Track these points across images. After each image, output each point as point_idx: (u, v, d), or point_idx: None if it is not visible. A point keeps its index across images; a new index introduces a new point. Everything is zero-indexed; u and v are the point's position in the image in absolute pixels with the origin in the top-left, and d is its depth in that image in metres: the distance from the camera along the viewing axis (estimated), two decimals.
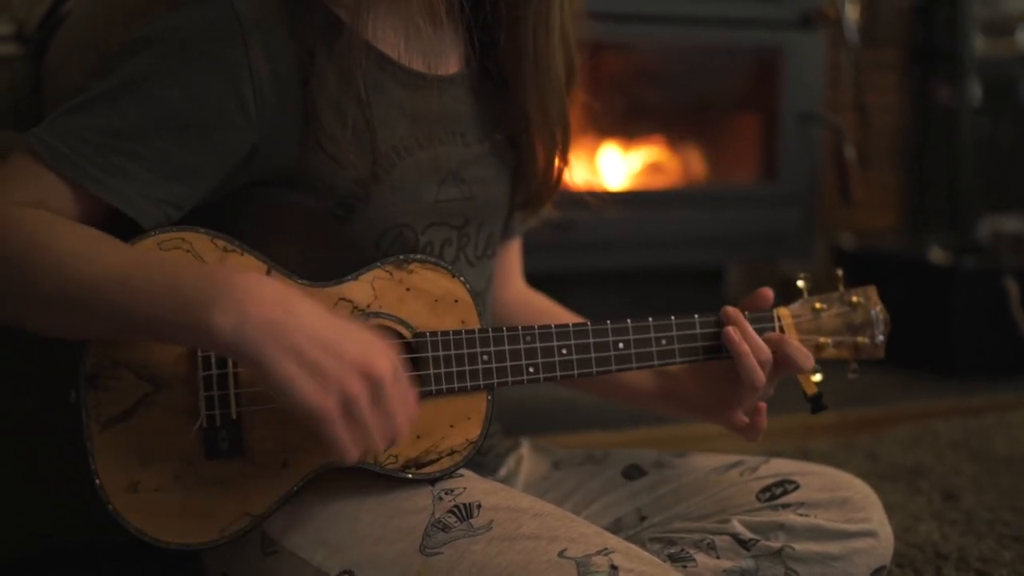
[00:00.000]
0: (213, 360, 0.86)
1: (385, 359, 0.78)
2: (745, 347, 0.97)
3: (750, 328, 0.99)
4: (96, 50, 1.12)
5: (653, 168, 2.29)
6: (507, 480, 1.13)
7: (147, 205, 0.86)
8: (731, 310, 1.00)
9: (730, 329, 0.98)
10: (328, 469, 0.88)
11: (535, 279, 1.26)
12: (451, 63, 1.02)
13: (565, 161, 1.10)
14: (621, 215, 2.03)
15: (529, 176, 1.09)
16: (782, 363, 0.99)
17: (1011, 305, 2.17)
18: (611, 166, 2.26)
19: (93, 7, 1.17)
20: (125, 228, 0.86)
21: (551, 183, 1.11)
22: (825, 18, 2.28)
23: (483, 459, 1.08)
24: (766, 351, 0.98)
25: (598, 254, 2.12)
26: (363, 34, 0.92)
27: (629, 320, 0.98)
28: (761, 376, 0.97)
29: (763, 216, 2.26)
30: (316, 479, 0.89)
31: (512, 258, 1.22)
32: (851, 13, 2.56)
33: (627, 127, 2.22)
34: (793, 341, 1.00)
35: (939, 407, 1.95)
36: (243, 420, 0.86)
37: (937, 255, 2.29)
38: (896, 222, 2.92)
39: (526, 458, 1.18)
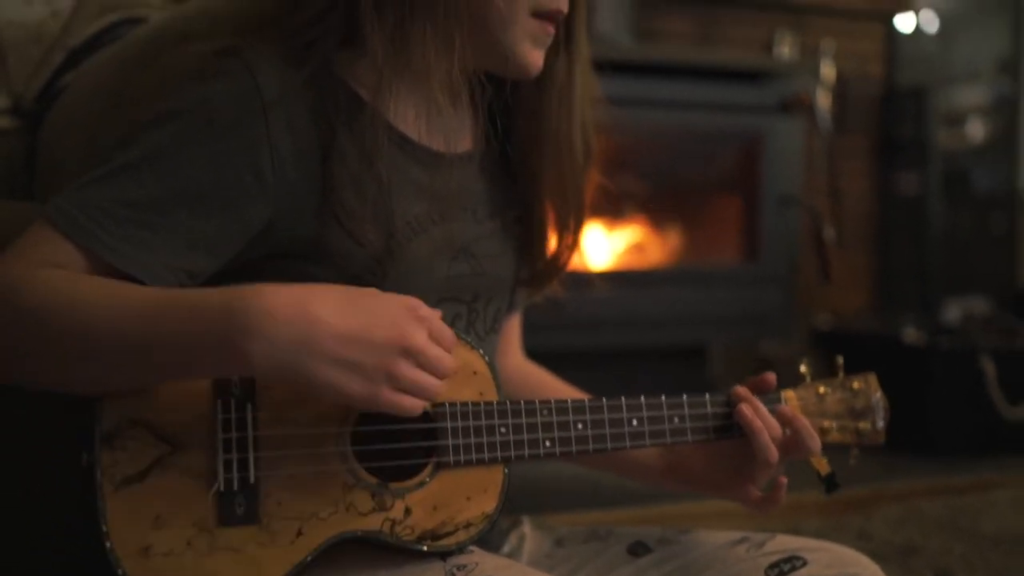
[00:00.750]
0: (233, 422, 0.85)
1: (415, 326, 0.81)
2: (759, 423, 0.98)
3: (762, 406, 1.00)
4: (96, 125, 1.13)
5: (638, 248, 2.33)
6: (510, 557, 1.12)
7: (162, 272, 0.87)
8: (742, 389, 1.01)
9: (743, 406, 0.99)
10: (342, 540, 0.87)
11: None
12: (466, 141, 1.03)
13: (576, 242, 1.11)
14: (607, 295, 2.05)
15: (537, 254, 1.11)
16: (791, 442, 1.00)
17: (988, 384, 2.21)
18: (597, 246, 2.29)
19: (94, 83, 1.18)
20: None
21: (560, 262, 1.12)
22: (802, 104, 2.36)
23: (487, 535, 1.07)
24: (777, 427, 0.99)
25: (585, 332, 2.13)
26: (384, 114, 0.93)
27: (643, 397, 0.98)
28: (774, 452, 0.98)
29: (745, 296, 2.30)
30: (328, 550, 0.87)
31: (512, 331, 1.22)
32: (823, 102, 2.66)
33: (613, 208, 2.26)
34: (803, 419, 1.01)
35: (922, 486, 1.97)
36: (260, 485, 0.85)
37: (912, 335, 2.33)
38: (868, 302, 2.99)
39: (528, 536, 1.16)
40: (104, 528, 0.82)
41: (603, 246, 2.32)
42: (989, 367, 2.22)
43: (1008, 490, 1.97)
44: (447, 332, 0.85)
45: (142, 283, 0.86)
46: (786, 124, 2.33)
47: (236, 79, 0.90)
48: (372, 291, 0.83)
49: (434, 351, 0.82)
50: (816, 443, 1.01)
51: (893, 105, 3.18)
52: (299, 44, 0.93)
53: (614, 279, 2.21)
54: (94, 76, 1.20)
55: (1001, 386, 2.22)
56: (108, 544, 0.82)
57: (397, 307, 0.82)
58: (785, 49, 2.73)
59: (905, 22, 3.24)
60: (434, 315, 0.84)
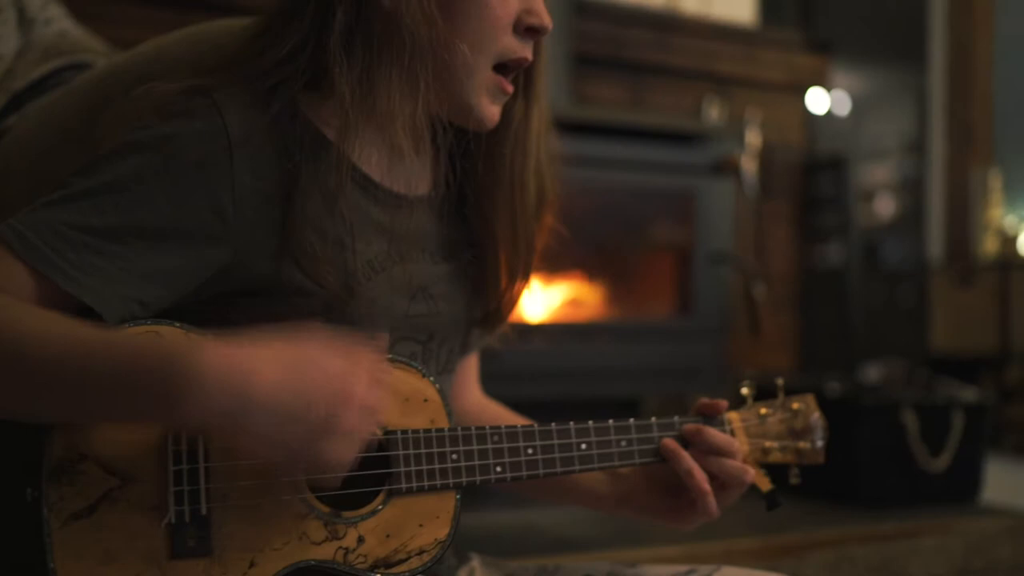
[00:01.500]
0: (184, 454, 0.84)
1: (353, 385, 0.80)
2: (680, 451, 1.01)
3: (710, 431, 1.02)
4: (44, 161, 1.13)
5: (575, 302, 2.37)
6: None
7: (114, 301, 0.86)
8: (689, 427, 1.04)
9: (665, 440, 1.02)
10: (295, 570, 0.86)
11: None
12: (425, 183, 1.05)
13: (526, 282, 1.14)
14: (545, 347, 2.08)
15: (490, 295, 1.12)
16: (717, 464, 1.02)
17: (909, 437, 2.28)
18: (535, 299, 2.33)
19: (40, 123, 1.18)
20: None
21: (511, 303, 1.14)
22: (731, 167, 2.45)
23: (437, 568, 1.07)
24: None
25: (522, 383, 2.15)
26: (349, 155, 0.94)
27: (591, 422, 1.01)
28: (698, 474, 1.00)
29: (678, 350, 2.35)
30: None
31: (470, 369, 1.24)
32: (749, 167, 2.76)
33: (550, 262, 2.30)
34: (715, 439, 1.03)
35: (853, 533, 2.01)
36: (212, 517, 0.84)
37: (836, 390, 2.40)
38: (793, 362, 3.07)
39: (478, 571, 1.16)
40: (51, 565, 0.80)
41: (541, 300, 2.35)
42: (911, 421, 2.30)
43: (933, 537, 2.03)
44: (383, 371, 0.85)
45: (92, 309, 0.85)
46: (717, 184, 2.41)
47: (203, 117, 0.90)
48: (314, 352, 0.81)
49: (372, 399, 0.82)
50: (735, 446, 1.03)
51: (814, 176, 3.32)
52: (265, 85, 0.94)
53: (551, 332, 2.25)
54: (41, 116, 1.19)
55: (922, 439, 2.30)
56: None
57: (335, 366, 0.81)
58: (713, 114, 2.84)
59: (818, 101, 3.40)
60: (372, 359, 0.83)
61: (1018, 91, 4.06)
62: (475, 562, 1.17)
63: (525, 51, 1.00)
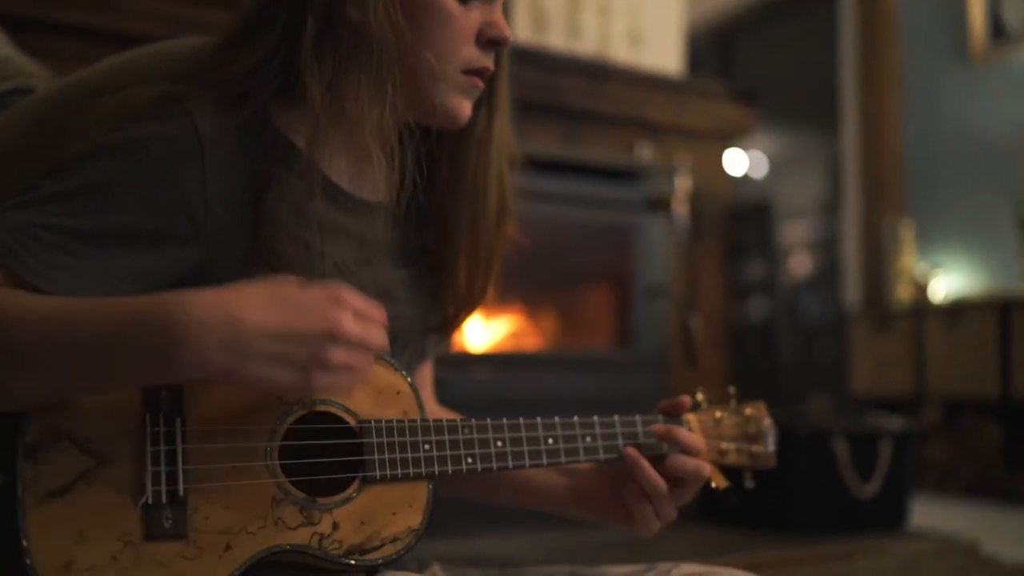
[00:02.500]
0: (162, 435, 0.84)
1: (338, 312, 0.82)
2: (638, 455, 1.04)
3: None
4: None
5: (515, 334, 2.40)
6: None
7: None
8: (658, 427, 1.07)
9: (629, 449, 1.05)
10: (270, 554, 0.87)
11: None
12: (390, 189, 1.07)
13: (485, 290, 1.16)
14: (486, 377, 2.10)
15: (449, 300, 1.15)
16: (677, 470, 1.04)
17: (840, 464, 2.35)
18: (476, 331, 2.35)
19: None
20: None
21: (469, 309, 1.17)
22: (664, 204, 2.52)
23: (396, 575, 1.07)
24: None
25: (464, 413, 2.15)
26: (318, 163, 0.97)
27: (557, 418, 1.03)
28: (657, 479, 1.03)
29: (617, 381, 2.39)
30: (255, 566, 0.86)
31: (426, 377, 1.25)
32: (680, 208, 2.84)
33: (504, 280, 2.34)
34: (684, 433, 1.06)
35: (793, 556, 2.06)
36: (189, 499, 0.84)
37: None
38: None
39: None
40: (24, 543, 0.79)
41: (483, 331, 2.38)
42: (841, 448, 2.37)
43: (869, 559, 2.09)
44: (371, 308, 0.86)
45: None
46: (653, 220, 2.49)
47: (174, 121, 0.92)
48: (294, 285, 0.84)
49: (359, 331, 0.83)
50: (701, 444, 1.06)
51: (739, 223, 3.45)
52: (235, 93, 0.96)
53: (493, 362, 2.27)
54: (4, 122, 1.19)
55: (853, 465, 2.37)
56: (28, 560, 0.79)
57: (320, 297, 0.83)
58: (645, 155, 2.93)
59: (737, 161, 3.54)
60: (356, 297, 0.85)
61: (926, 145, 4.28)
62: (436, 567, 1.18)
63: (486, 61, 1.04)
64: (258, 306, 0.81)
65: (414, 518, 0.94)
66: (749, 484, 1.13)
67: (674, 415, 1.10)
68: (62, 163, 0.91)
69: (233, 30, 1.02)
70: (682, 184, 2.90)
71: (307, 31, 0.96)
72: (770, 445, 1.15)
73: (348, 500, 0.91)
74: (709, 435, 1.11)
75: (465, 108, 1.04)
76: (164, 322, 0.79)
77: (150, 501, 0.83)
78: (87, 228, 0.87)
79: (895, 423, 2.49)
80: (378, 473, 0.92)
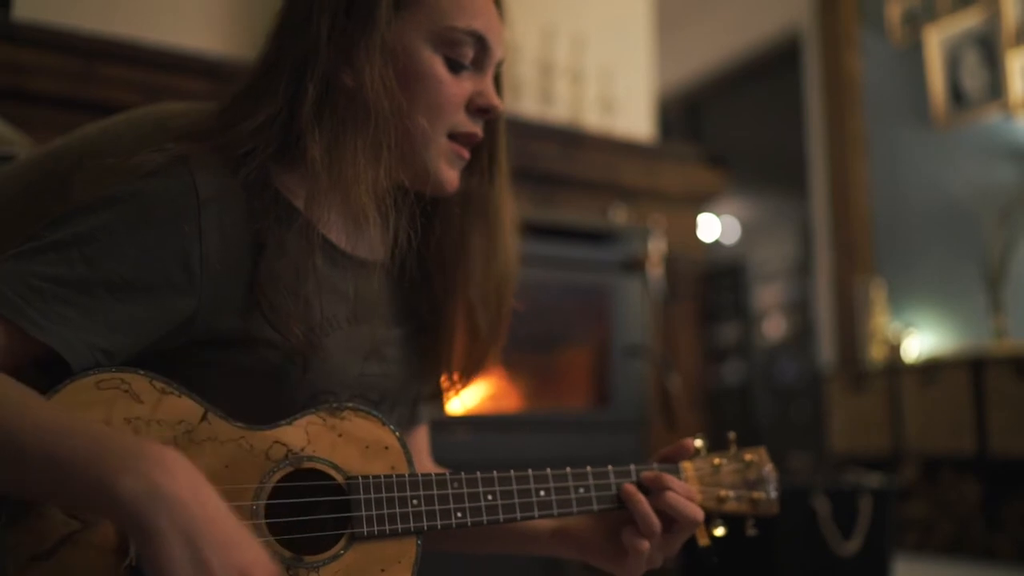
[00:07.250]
0: None
1: (265, 573, 0.77)
2: (640, 496, 1.04)
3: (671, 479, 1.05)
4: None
5: (495, 395, 2.39)
6: None
7: (82, 349, 0.87)
8: (648, 474, 1.06)
9: (628, 485, 1.05)
10: None
11: None
12: (384, 250, 1.08)
13: (483, 361, 1.16)
14: (466, 438, 2.09)
15: (443, 363, 1.15)
16: (670, 508, 1.04)
17: (821, 521, 2.34)
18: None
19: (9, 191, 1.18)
20: (51, 372, 0.86)
21: (467, 378, 1.17)
22: (640, 266, 2.55)
23: None
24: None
25: None
26: (316, 224, 0.99)
27: (548, 469, 1.03)
28: (654, 520, 1.02)
29: (597, 441, 2.38)
30: None
31: (422, 440, 1.25)
32: (655, 271, 2.87)
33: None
34: (676, 485, 1.05)
35: None
36: None
37: None
38: None
39: None
40: None
41: (463, 393, 2.37)
42: (822, 506, 2.37)
43: None
44: None
45: (58, 357, 0.86)
46: (629, 282, 2.51)
47: (175, 176, 0.94)
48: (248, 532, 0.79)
49: None
50: (692, 492, 1.05)
51: (714, 283, 3.49)
52: (237, 154, 0.98)
53: (473, 424, 2.26)
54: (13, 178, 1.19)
55: (834, 522, 2.36)
56: None
57: (262, 553, 0.78)
58: (620, 217, 2.97)
59: (710, 227, 3.58)
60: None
61: (894, 207, 4.37)
62: None
63: (475, 127, 1.07)
64: (219, 504, 0.77)
65: (402, 574, 0.93)
66: (751, 532, 1.11)
67: (672, 462, 1.10)
68: (63, 213, 0.92)
69: (237, 95, 1.04)
70: (656, 246, 2.94)
71: (308, 97, 0.99)
72: (772, 491, 1.12)
73: (335, 557, 0.90)
74: (707, 482, 1.10)
75: (452, 176, 1.06)
76: (131, 447, 0.76)
77: (134, 563, 0.81)
78: (83, 278, 0.88)
79: (874, 480, 2.50)
80: (366, 529, 0.91)
